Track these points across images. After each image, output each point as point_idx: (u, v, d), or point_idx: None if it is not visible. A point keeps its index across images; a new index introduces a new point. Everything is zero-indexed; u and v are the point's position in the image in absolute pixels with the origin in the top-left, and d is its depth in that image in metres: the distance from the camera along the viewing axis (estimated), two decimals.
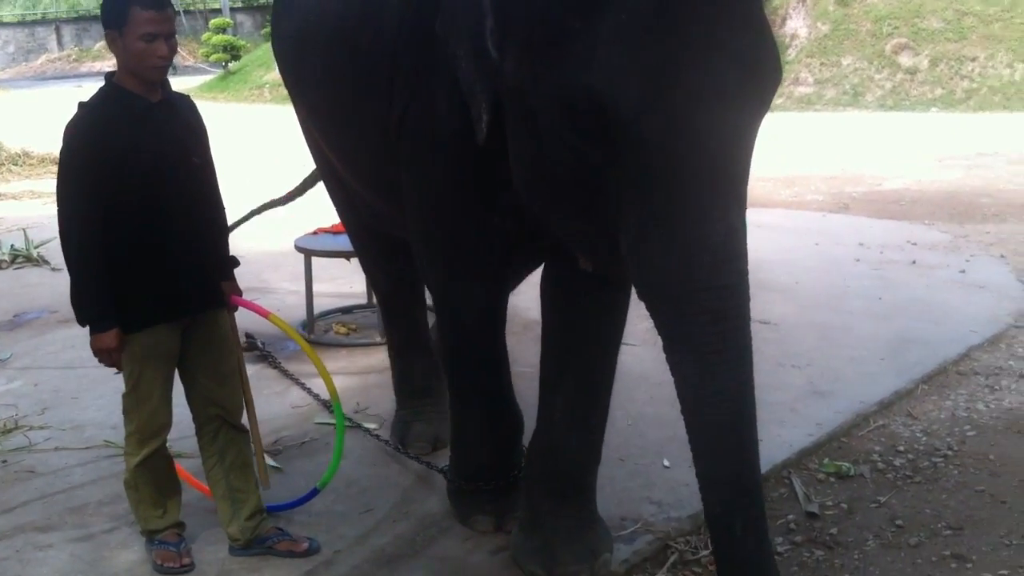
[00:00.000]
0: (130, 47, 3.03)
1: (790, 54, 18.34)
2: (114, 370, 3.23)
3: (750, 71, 2.27)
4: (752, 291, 5.95)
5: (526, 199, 2.69)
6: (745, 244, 2.35)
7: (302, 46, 3.81)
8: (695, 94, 2.20)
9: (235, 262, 3.48)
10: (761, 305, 5.75)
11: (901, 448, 4.11)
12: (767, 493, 3.71)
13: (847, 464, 3.95)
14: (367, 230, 4.23)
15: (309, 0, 3.75)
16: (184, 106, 3.29)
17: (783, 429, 4.21)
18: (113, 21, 3.04)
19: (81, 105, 3.15)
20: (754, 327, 5.26)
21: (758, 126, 2.39)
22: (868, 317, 5.72)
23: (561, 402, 3.19)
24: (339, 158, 3.89)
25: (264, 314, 3.48)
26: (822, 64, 17.48)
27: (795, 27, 18.65)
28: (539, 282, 3.28)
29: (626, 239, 2.39)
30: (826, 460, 4.00)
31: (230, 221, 3.50)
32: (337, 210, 4.48)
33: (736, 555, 2.46)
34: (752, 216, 7.49)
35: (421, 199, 3.19)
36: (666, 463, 3.93)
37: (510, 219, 2.91)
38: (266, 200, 6.25)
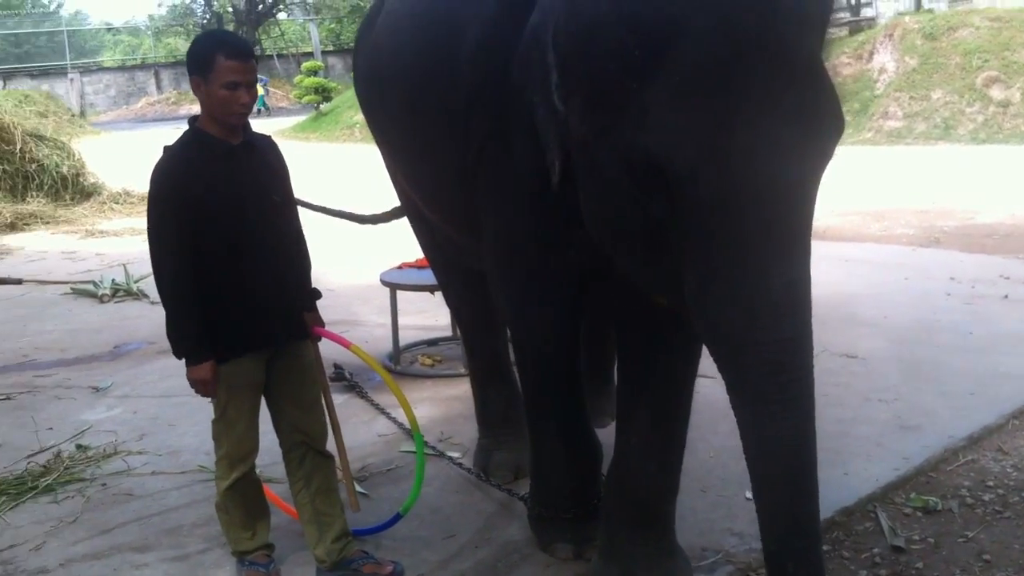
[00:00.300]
0: (214, 94, 3.15)
1: (878, 88, 18.21)
2: (209, 399, 3.34)
3: (808, 125, 2.30)
4: (840, 326, 5.98)
5: (596, 240, 2.74)
6: (807, 294, 2.38)
7: (381, 85, 3.91)
8: (750, 152, 2.23)
9: (317, 294, 3.59)
10: (849, 340, 5.80)
11: (990, 483, 4.04)
12: (852, 527, 3.72)
13: (935, 499, 3.89)
14: (449, 263, 4.33)
15: (387, 40, 3.83)
16: (265, 146, 3.40)
17: (869, 463, 4.18)
18: (198, 68, 3.17)
19: (166, 149, 3.28)
20: (841, 361, 5.31)
21: (819, 178, 2.41)
22: (958, 351, 5.64)
23: (636, 434, 3.21)
24: (419, 194, 4.00)
25: (345, 344, 3.57)
26: (911, 98, 17.31)
27: (883, 61, 18.52)
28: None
29: (688, 288, 2.43)
30: (913, 494, 3.94)
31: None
32: (420, 245, 4.59)
33: None
34: (841, 251, 7.58)
35: (498, 233, 3.27)
36: (748, 495, 3.88)
37: (585, 254, 2.93)
38: (353, 212, 6.36)
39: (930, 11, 20.27)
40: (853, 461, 4.20)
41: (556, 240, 3.00)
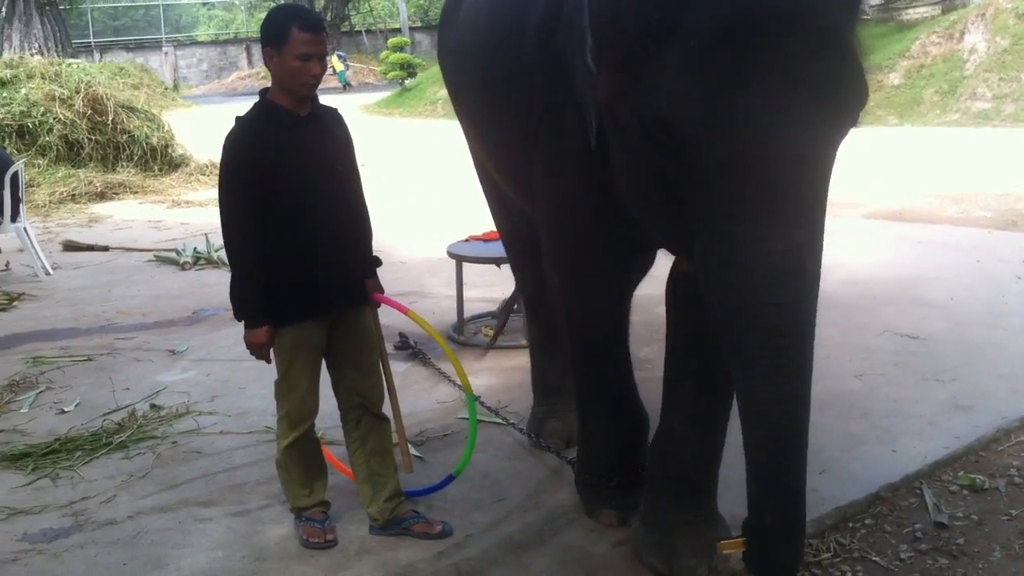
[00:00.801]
0: (287, 65, 3.28)
1: (968, 69, 17.79)
2: (264, 363, 3.49)
3: (823, 95, 2.31)
4: (905, 306, 5.95)
5: (627, 202, 2.83)
6: (811, 262, 2.42)
7: (460, 57, 4.06)
8: (756, 117, 2.27)
9: (378, 262, 3.70)
10: (913, 320, 5.79)
11: None
12: (896, 502, 3.76)
13: (982, 477, 3.90)
14: (516, 231, 4.43)
15: (465, 15, 3.98)
16: (331, 118, 3.53)
17: (919, 441, 4.20)
18: (272, 40, 3.30)
19: (237, 119, 3.43)
20: (902, 341, 5.31)
21: (834, 148, 2.46)
22: (1022, 335, 5.60)
23: (683, 404, 3.27)
24: (490, 160, 4.13)
25: (404, 310, 3.70)
26: (1001, 79, 16.87)
27: (973, 41, 18.09)
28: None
29: (695, 250, 2.51)
30: (961, 473, 3.96)
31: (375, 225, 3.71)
32: (492, 215, 4.71)
33: (762, 543, 2.60)
34: (915, 232, 7.52)
35: (550, 203, 3.38)
36: None
37: (634, 226, 2.98)
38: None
39: None
40: (903, 439, 4.23)
41: (605, 213, 3.08)
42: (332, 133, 3.51)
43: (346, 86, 36.10)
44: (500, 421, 4.47)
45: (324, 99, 3.54)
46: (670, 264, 3.21)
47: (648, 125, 2.45)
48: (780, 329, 2.39)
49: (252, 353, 3.45)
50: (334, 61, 34.28)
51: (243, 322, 3.44)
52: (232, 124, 3.42)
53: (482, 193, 4.72)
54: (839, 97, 2.37)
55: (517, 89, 3.33)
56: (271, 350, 3.45)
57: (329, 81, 31.71)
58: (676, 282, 3.25)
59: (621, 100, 2.55)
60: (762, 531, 2.57)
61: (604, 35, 2.57)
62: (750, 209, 2.35)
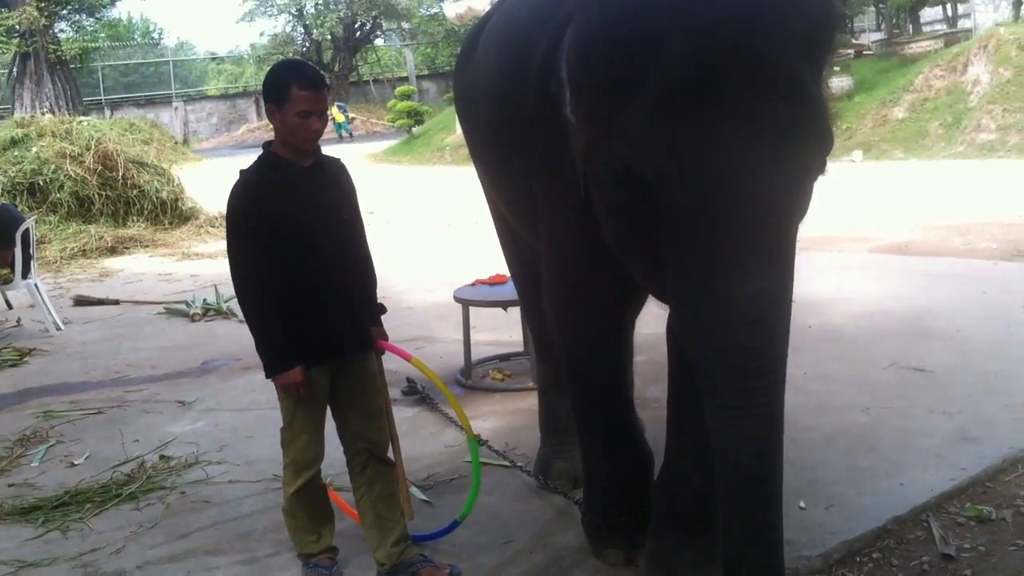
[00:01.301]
0: (287, 121, 3.35)
1: (972, 100, 17.86)
2: (272, 412, 3.51)
3: (785, 141, 2.37)
4: (912, 339, 5.97)
5: (611, 247, 2.89)
6: (779, 304, 2.49)
7: (472, 101, 4.17)
8: (721, 166, 2.34)
9: (382, 308, 3.74)
10: (920, 352, 5.80)
11: None
12: (903, 535, 3.74)
13: (988, 508, 3.89)
14: (528, 270, 4.46)
15: (477, 61, 4.07)
16: (334, 168, 3.60)
17: (926, 473, 4.20)
18: (274, 97, 3.37)
19: (241, 172, 3.49)
20: (909, 374, 5.32)
21: (800, 192, 2.51)
22: None
23: (686, 442, 3.28)
24: (502, 200, 4.20)
25: (407, 357, 3.72)
26: (1005, 110, 16.95)
27: (977, 73, 18.20)
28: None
29: (669, 294, 2.60)
30: (968, 504, 3.95)
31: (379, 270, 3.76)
32: (503, 251, 4.76)
33: None
34: (921, 265, 7.55)
35: (549, 247, 3.45)
36: (802, 504, 3.96)
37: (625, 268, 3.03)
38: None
39: None
40: (910, 471, 4.22)
41: (600, 256, 3.10)
42: (335, 182, 3.57)
43: (341, 136, 36.08)
44: (506, 463, 4.48)
45: (328, 149, 3.59)
46: None
47: (619, 175, 2.50)
48: (748, 372, 2.45)
49: (290, 395, 3.45)
50: (334, 112, 34.49)
51: (270, 369, 3.44)
52: (237, 177, 3.48)
53: (495, 233, 4.78)
54: (801, 144, 2.42)
55: (522, 134, 3.40)
56: (304, 389, 3.43)
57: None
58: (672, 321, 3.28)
59: (594, 150, 2.61)
60: None
61: (577, 87, 2.63)
62: (716, 255, 2.41)
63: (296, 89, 3.31)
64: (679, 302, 2.59)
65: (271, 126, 3.45)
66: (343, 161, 3.68)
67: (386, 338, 3.72)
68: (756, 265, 2.42)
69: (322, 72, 3.62)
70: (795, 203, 2.52)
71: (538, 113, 3.18)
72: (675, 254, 2.51)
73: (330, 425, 3.60)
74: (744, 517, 2.55)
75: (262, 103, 3.56)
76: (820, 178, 2.60)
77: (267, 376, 3.45)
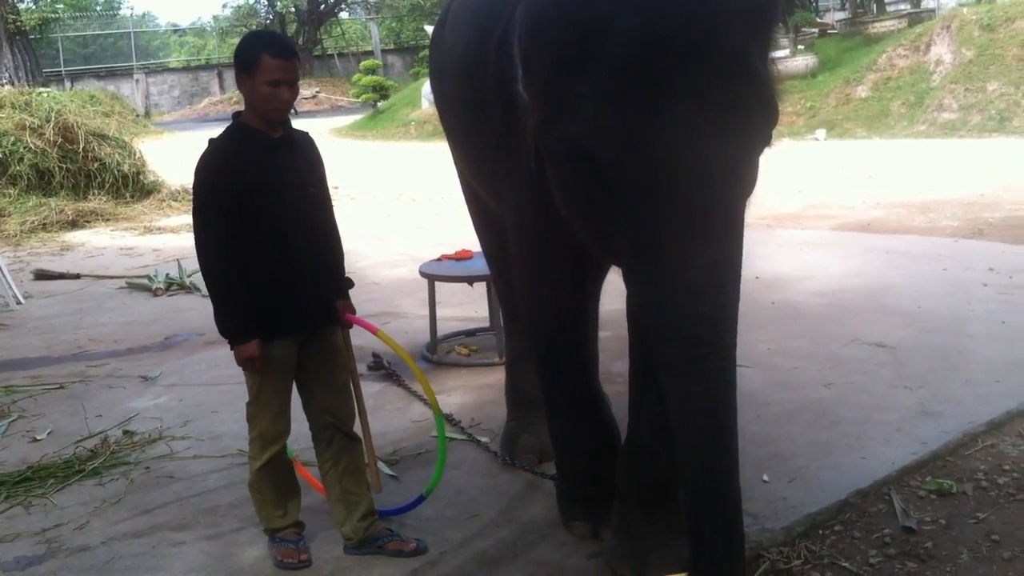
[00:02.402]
0: (257, 90, 3.33)
1: (934, 80, 18.00)
2: (236, 386, 3.50)
3: (731, 117, 2.46)
4: (873, 315, 6.04)
5: (567, 220, 2.94)
6: (729, 275, 2.59)
7: (441, 77, 4.21)
8: (668, 142, 2.43)
9: (350, 283, 3.73)
10: (881, 329, 5.86)
11: (1007, 467, 4.08)
12: (866, 508, 3.79)
13: (949, 482, 3.94)
14: (498, 243, 4.47)
15: (448, 35, 4.09)
16: (303, 141, 3.58)
17: (887, 448, 4.25)
18: (244, 66, 3.36)
19: (210, 141, 3.47)
20: (870, 350, 5.38)
21: (747, 166, 2.61)
22: (988, 340, 5.66)
23: (648, 413, 3.31)
24: (471, 173, 4.23)
25: (374, 330, 3.71)
26: (967, 90, 17.11)
27: (939, 53, 18.34)
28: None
29: (622, 266, 2.68)
30: (929, 478, 4.00)
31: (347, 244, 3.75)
32: (474, 224, 4.77)
33: (704, 555, 2.67)
34: (882, 242, 7.65)
35: (511, 218, 3.51)
36: (765, 478, 4.01)
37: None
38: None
39: (990, 2, 19.99)
40: (872, 445, 4.28)
41: (557, 226, 3.13)
42: (305, 156, 3.55)
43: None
44: (474, 440, 4.49)
45: (294, 122, 3.58)
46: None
47: (571, 150, 2.58)
48: (701, 340, 2.54)
49: (246, 368, 3.45)
50: None
51: (229, 341, 3.44)
52: (205, 146, 3.45)
53: (465, 207, 4.78)
54: (747, 119, 2.52)
55: (483, 107, 3.43)
56: (259, 363, 3.43)
57: None
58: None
59: (547, 126, 2.67)
60: (703, 544, 2.66)
61: (529, 64, 2.69)
62: (667, 228, 2.51)
63: (267, 57, 3.30)
64: (631, 273, 2.68)
65: (234, 99, 3.45)
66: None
67: (354, 312, 3.70)
68: (704, 237, 2.51)
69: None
70: (741, 177, 2.61)
71: (496, 87, 3.22)
72: (626, 228, 2.59)
73: (296, 400, 3.59)
74: (703, 478, 2.64)
75: (225, 76, 3.55)
76: (766, 152, 2.70)
77: (232, 348, 3.44)
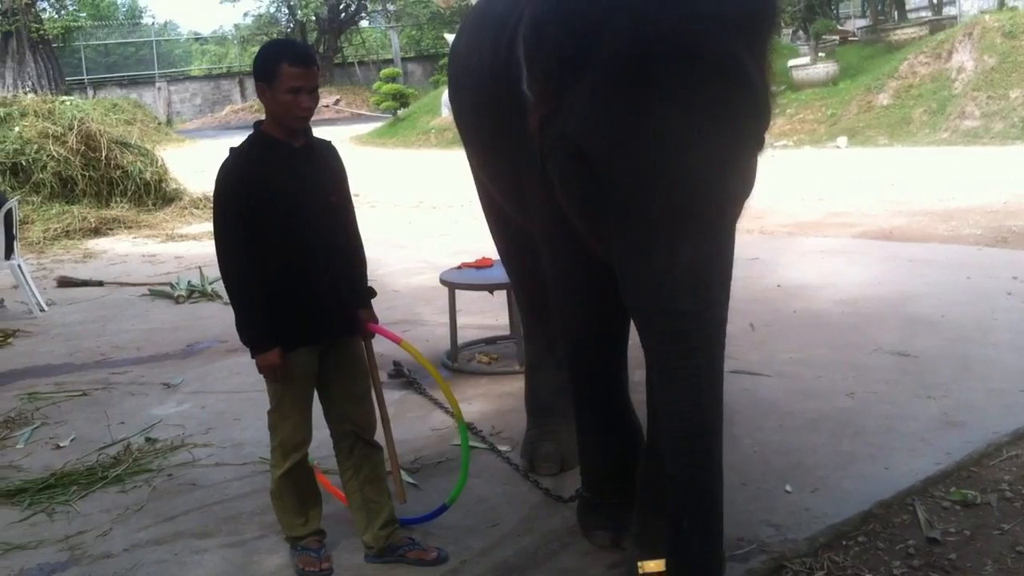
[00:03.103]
0: (278, 99, 3.34)
1: (956, 88, 17.90)
2: (259, 394, 3.51)
3: (718, 119, 2.53)
4: (896, 324, 6.01)
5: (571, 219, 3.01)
6: (717, 273, 2.66)
7: (458, 87, 4.25)
8: (659, 141, 2.51)
9: (372, 292, 3.74)
10: (904, 338, 5.83)
11: None
12: (889, 519, 3.76)
13: (973, 492, 3.92)
14: (516, 249, 4.52)
15: (463, 45, 4.15)
16: (325, 150, 3.59)
17: (911, 458, 4.22)
18: (264, 75, 3.37)
19: (231, 151, 3.48)
20: (894, 359, 5.35)
21: (735, 168, 2.65)
22: (1012, 350, 5.62)
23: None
24: (490, 181, 4.26)
25: (396, 340, 3.72)
26: (989, 97, 16.99)
27: (961, 60, 18.23)
28: None
29: (614, 262, 2.74)
30: (953, 488, 3.97)
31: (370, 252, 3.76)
32: (491, 230, 4.78)
33: (680, 548, 2.73)
34: (905, 251, 7.60)
35: (540, 229, 3.53)
36: (788, 488, 3.99)
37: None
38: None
39: (1013, 9, 19.88)
40: (895, 456, 4.25)
41: (574, 234, 3.17)
42: (326, 164, 3.56)
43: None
44: (496, 450, 4.51)
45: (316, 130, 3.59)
46: None
47: (568, 148, 2.67)
48: (687, 335, 2.61)
49: (267, 376, 3.46)
50: None
51: (250, 349, 3.45)
52: (226, 155, 3.46)
53: (479, 213, 4.80)
54: (735, 121, 2.59)
55: (499, 114, 3.47)
56: (280, 371, 3.44)
57: None
58: None
59: (547, 126, 2.77)
60: (681, 536, 2.71)
61: (531, 65, 2.77)
62: (657, 226, 2.59)
63: (286, 65, 3.31)
64: (624, 272, 2.73)
65: (255, 107, 3.47)
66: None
67: (376, 321, 3.71)
68: (692, 235, 2.58)
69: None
70: (729, 178, 2.65)
71: (510, 93, 3.26)
72: (618, 224, 2.67)
73: (317, 408, 3.60)
74: (685, 471, 2.68)
75: (246, 84, 3.58)
76: (761, 154, 2.77)
77: (252, 356, 3.45)
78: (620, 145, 2.55)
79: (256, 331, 3.42)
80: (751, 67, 2.60)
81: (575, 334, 3.53)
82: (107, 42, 47.94)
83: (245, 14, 58.84)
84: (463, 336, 6.25)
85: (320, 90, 3.51)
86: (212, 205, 3.50)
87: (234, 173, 3.41)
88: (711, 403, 2.67)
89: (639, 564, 3.00)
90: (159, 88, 41.18)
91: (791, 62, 21.32)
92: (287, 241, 3.41)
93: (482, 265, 6.16)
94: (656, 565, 2.88)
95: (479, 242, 4.91)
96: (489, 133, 3.78)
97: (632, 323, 3.39)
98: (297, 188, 3.43)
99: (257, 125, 3.50)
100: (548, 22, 2.65)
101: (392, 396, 5.22)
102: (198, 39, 59.64)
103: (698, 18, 2.49)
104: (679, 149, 2.51)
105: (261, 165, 3.41)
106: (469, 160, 4.47)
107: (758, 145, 2.72)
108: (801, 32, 25.41)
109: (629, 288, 2.73)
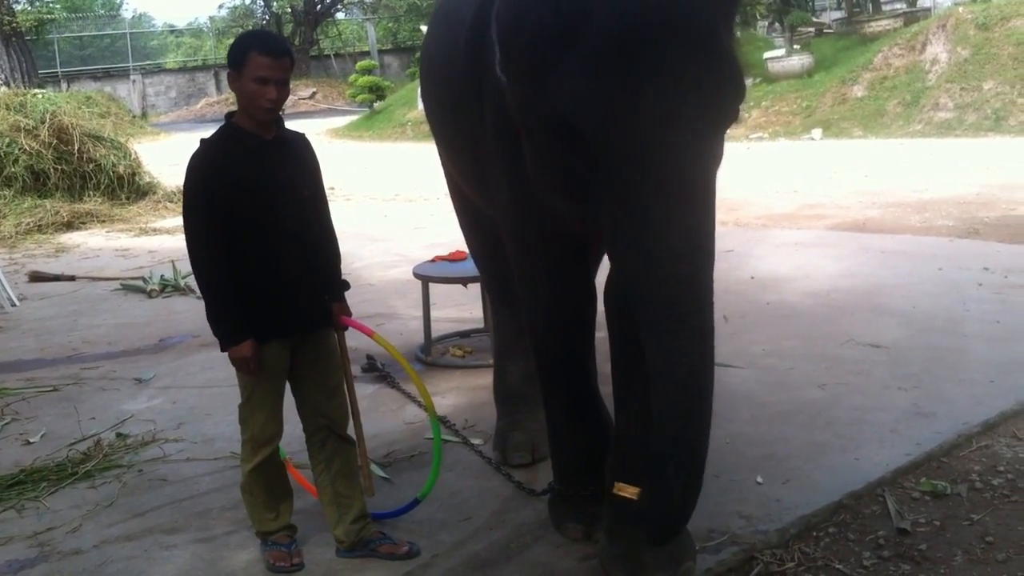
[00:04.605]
0: (244, 87, 3.33)
1: (930, 79, 17.98)
2: (230, 389, 3.49)
3: (705, 92, 2.63)
4: (867, 315, 6.04)
5: (541, 196, 3.08)
6: (706, 239, 2.74)
7: (427, 78, 4.30)
8: (648, 115, 2.58)
9: (346, 285, 3.72)
10: (875, 329, 5.86)
11: (1001, 468, 4.08)
12: (859, 510, 3.80)
13: (943, 483, 3.94)
14: (483, 238, 4.54)
15: (427, 38, 4.25)
16: (298, 143, 3.57)
17: (882, 449, 4.25)
18: (234, 63, 3.36)
19: (202, 142, 3.46)
20: (865, 351, 5.38)
21: (717, 139, 2.77)
22: (983, 340, 5.66)
23: (633, 406, 3.34)
24: (454, 170, 4.29)
25: (369, 333, 3.71)
26: (962, 89, 17.07)
27: (935, 52, 18.31)
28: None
29: (604, 234, 2.80)
30: (923, 479, 3.99)
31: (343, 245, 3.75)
32: (459, 221, 4.82)
33: (661, 489, 2.80)
34: (878, 242, 7.66)
35: (503, 216, 3.56)
36: (759, 479, 4.01)
37: (563, 223, 3.22)
38: None
39: (986, 1, 19.97)
40: (866, 446, 4.27)
41: (549, 221, 3.24)
42: (298, 157, 3.54)
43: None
44: (468, 443, 4.51)
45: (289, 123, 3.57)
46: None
47: (555, 127, 2.72)
48: (681, 298, 2.68)
49: (239, 369, 3.44)
50: None
51: (222, 342, 3.43)
52: (197, 147, 3.44)
53: (452, 206, 4.81)
54: (719, 94, 2.70)
55: (458, 97, 3.56)
56: (253, 364, 3.41)
57: None
58: (610, 289, 3.38)
59: (529, 106, 2.83)
60: (662, 480, 2.77)
61: (510, 47, 2.82)
62: (648, 195, 2.65)
63: (255, 54, 3.30)
64: (615, 242, 2.79)
65: (230, 100, 3.43)
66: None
67: (350, 314, 3.70)
68: (683, 204, 2.66)
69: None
70: (713, 148, 2.76)
71: (468, 78, 3.38)
72: (610, 198, 2.72)
73: (289, 402, 3.58)
74: (677, 424, 2.74)
75: (221, 77, 3.56)
76: (735, 125, 2.88)
77: (222, 350, 3.43)
78: (613, 119, 2.60)
79: (228, 323, 3.41)
80: (729, 41, 2.72)
81: (541, 320, 3.56)
82: (81, 35, 47.56)
83: (220, 6, 58.15)
84: (437, 329, 6.24)
85: (296, 83, 3.50)
86: (182, 196, 3.47)
87: (203, 164, 3.39)
88: (704, 364, 2.75)
89: (616, 484, 3.08)
90: (133, 81, 40.86)
91: (766, 54, 21.36)
92: (258, 234, 3.40)
93: (456, 258, 6.15)
94: (633, 492, 2.99)
95: (454, 235, 4.90)
96: (452, 125, 3.83)
97: (599, 310, 3.44)
98: (267, 181, 3.41)
99: (228, 116, 3.48)
100: (529, 3, 2.72)
101: (365, 390, 5.22)
102: (173, 31, 59.15)
103: None
104: (670, 121, 2.59)
105: (231, 157, 3.39)
106: (439, 153, 4.47)
107: (734, 117, 2.81)
108: (776, 24, 25.46)
109: (622, 259, 2.81)
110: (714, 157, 2.80)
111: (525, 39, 2.75)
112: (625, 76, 2.57)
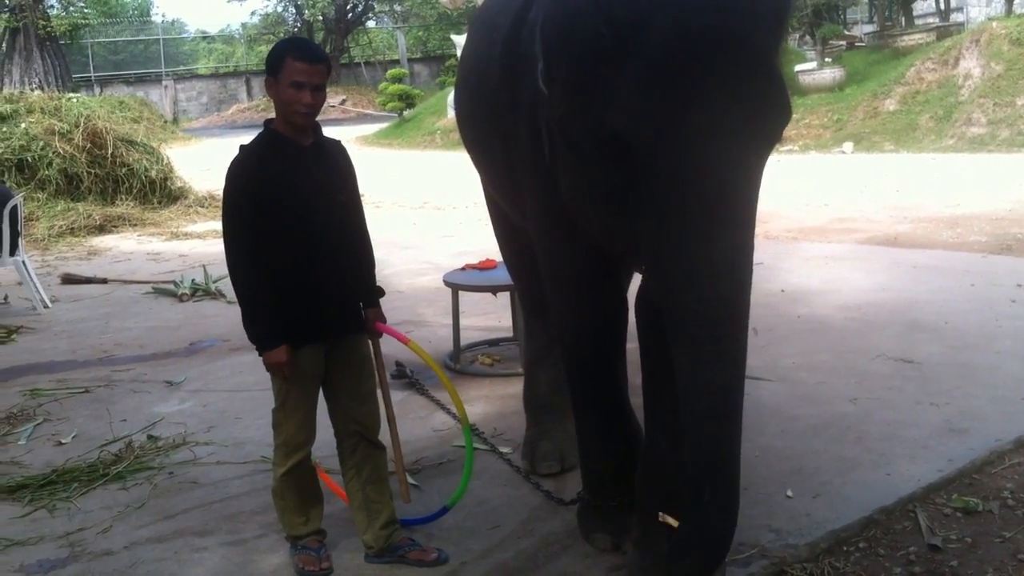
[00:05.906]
0: (281, 92, 3.36)
1: (962, 94, 17.86)
2: (261, 393, 3.51)
3: (755, 112, 2.63)
4: (899, 331, 6.00)
5: (572, 211, 3.08)
6: (746, 260, 2.72)
7: (460, 90, 4.31)
8: (700, 132, 2.57)
9: (381, 292, 3.74)
10: (907, 345, 5.81)
11: None
12: (890, 526, 3.76)
13: (975, 500, 3.91)
14: (517, 247, 4.54)
15: (467, 50, 4.23)
16: (334, 149, 3.60)
17: (913, 465, 4.22)
18: (271, 68, 3.40)
19: (241, 148, 3.49)
20: (897, 366, 5.34)
21: (764, 158, 2.76)
22: (1016, 358, 5.60)
23: (662, 419, 3.30)
24: (488, 181, 4.31)
25: (404, 340, 3.73)
26: (995, 104, 16.93)
27: (968, 67, 18.19)
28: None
29: (644, 250, 2.78)
30: (954, 495, 3.96)
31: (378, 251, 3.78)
32: (496, 236, 4.83)
33: (698, 517, 2.76)
34: (910, 257, 7.59)
35: (536, 227, 3.57)
36: (789, 493, 3.98)
37: (594, 237, 3.20)
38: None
39: (1020, 16, 19.83)
40: (897, 462, 4.24)
41: (582, 232, 3.21)
42: (335, 163, 3.57)
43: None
44: (497, 452, 4.52)
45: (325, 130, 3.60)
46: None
47: (602, 140, 2.70)
48: (719, 319, 2.67)
49: (274, 374, 3.47)
50: None
51: (257, 347, 3.46)
52: (236, 153, 3.48)
53: (481, 215, 4.80)
54: (770, 114, 2.71)
55: (496, 116, 3.55)
56: (287, 369, 3.43)
57: None
58: (641, 303, 3.32)
59: (575, 118, 2.80)
60: (699, 506, 2.73)
61: (556, 60, 2.81)
62: (693, 213, 2.63)
63: (291, 59, 3.34)
64: (656, 259, 2.79)
65: (261, 107, 3.48)
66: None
67: (384, 321, 3.72)
68: (729, 222, 2.66)
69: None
70: (760, 167, 2.76)
71: (504, 89, 3.39)
72: (654, 214, 2.70)
73: (321, 406, 3.60)
74: (711, 445, 2.72)
75: (252, 83, 3.58)
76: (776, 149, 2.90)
77: (259, 354, 3.45)
78: (664, 135, 2.59)
79: (263, 328, 3.43)
80: (779, 63, 2.71)
81: (572, 329, 3.56)
82: (115, 40, 47.96)
83: (252, 13, 58.62)
84: (466, 337, 6.26)
85: (326, 90, 3.52)
86: (221, 202, 3.51)
87: (243, 170, 3.42)
88: (737, 387, 2.74)
89: (659, 514, 3.01)
90: (165, 86, 41.18)
91: (798, 67, 21.29)
92: (295, 239, 3.42)
93: (485, 267, 6.16)
94: (673, 519, 2.93)
95: (483, 243, 4.92)
96: (486, 131, 3.82)
97: (631, 319, 3.44)
98: (306, 186, 3.44)
99: (267, 123, 3.52)
100: (581, 12, 2.69)
101: (395, 396, 5.14)
102: (205, 38, 59.64)
103: (737, 13, 2.58)
104: (720, 139, 2.59)
105: (270, 163, 3.42)
106: (473, 162, 4.48)
107: (778, 138, 2.81)
108: (808, 37, 25.38)
109: (662, 276, 2.78)
110: (760, 175, 2.80)
111: (574, 50, 2.72)
112: (680, 92, 2.56)
